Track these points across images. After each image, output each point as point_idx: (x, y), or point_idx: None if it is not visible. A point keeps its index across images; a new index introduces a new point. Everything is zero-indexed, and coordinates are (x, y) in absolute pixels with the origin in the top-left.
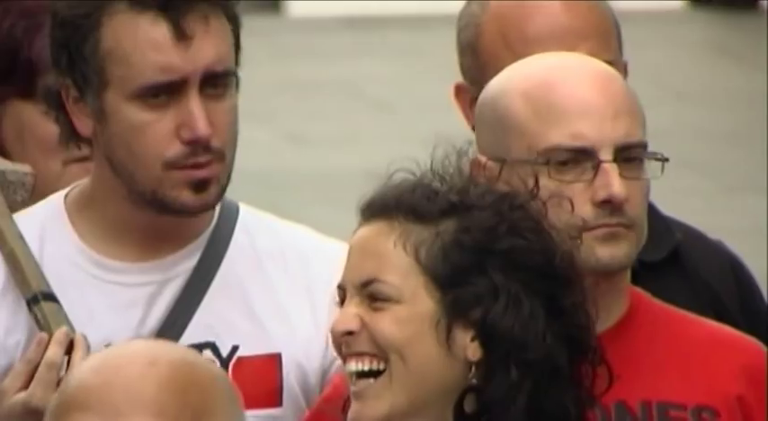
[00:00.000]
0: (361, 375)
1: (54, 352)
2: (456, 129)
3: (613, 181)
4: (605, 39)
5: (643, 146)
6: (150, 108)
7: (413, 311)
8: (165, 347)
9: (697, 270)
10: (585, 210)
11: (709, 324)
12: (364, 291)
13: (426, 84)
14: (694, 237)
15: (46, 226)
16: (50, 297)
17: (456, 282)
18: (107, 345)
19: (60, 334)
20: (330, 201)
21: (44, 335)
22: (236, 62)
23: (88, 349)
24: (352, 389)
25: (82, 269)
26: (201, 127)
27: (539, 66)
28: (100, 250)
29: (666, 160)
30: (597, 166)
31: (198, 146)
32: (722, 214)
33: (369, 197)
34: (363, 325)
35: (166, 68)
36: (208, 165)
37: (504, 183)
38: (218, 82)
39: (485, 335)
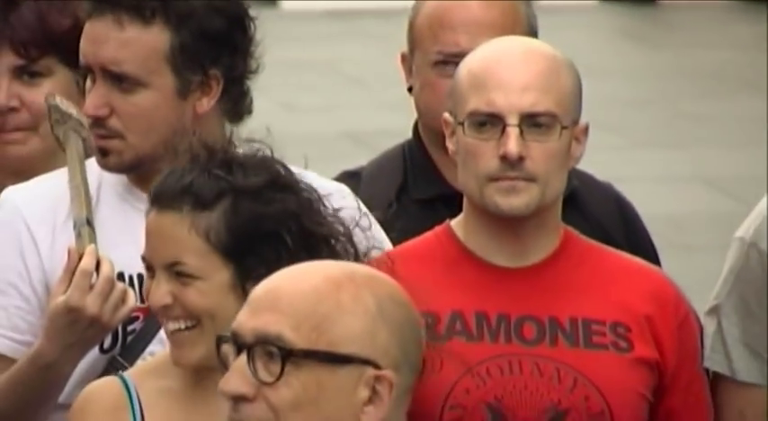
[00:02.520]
0: (177, 331)
1: (87, 262)
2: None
3: (510, 141)
4: (511, 31)
5: (550, 115)
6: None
7: (213, 283)
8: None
9: (590, 209)
10: (493, 164)
11: (624, 256)
12: (171, 270)
13: (392, 63)
14: (587, 182)
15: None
16: (89, 223)
17: (240, 252)
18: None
19: (90, 249)
20: (315, 157)
21: (73, 245)
22: (185, 63)
23: (111, 265)
24: (172, 339)
25: (127, 200)
26: (87, 106)
27: (490, 47)
28: (144, 189)
29: (565, 128)
30: (503, 129)
31: (95, 121)
32: (628, 165)
33: (157, 187)
34: (175, 298)
35: (82, 55)
36: (103, 138)
37: (455, 136)
38: (120, 78)
39: None
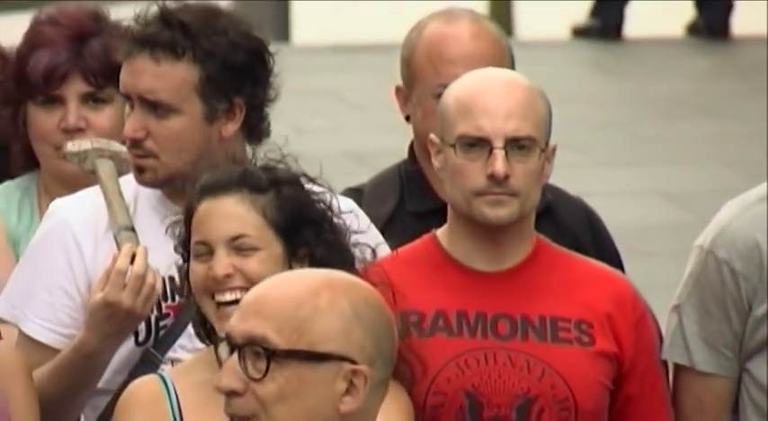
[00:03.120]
0: (231, 303)
1: (120, 262)
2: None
3: (498, 162)
4: (499, 61)
5: (530, 139)
6: None
7: (270, 254)
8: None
9: (563, 220)
10: (481, 181)
11: (589, 261)
12: (232, 244)
13: (389, 91)
14: (560, 196)
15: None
16: (129, 228)
17: (290, 231)
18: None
19: (126, 248)
20: (323, 174)
21: (116, 251)
22: (212, 92)
23: (146, 255)
24: (221, 312)
25: (160, 212)
26: (126, 129)
27: (472, 77)
28: (175, 201)
29: (543, 150)
30: (490, 151)
31: (133, 143)
32: (595, 181)
33: (208, 181)
34: (236, 268)
35: (122, 85)
36: (140, 157)
37: (442, 155)
38: (155, 106)
39: (312, 263)
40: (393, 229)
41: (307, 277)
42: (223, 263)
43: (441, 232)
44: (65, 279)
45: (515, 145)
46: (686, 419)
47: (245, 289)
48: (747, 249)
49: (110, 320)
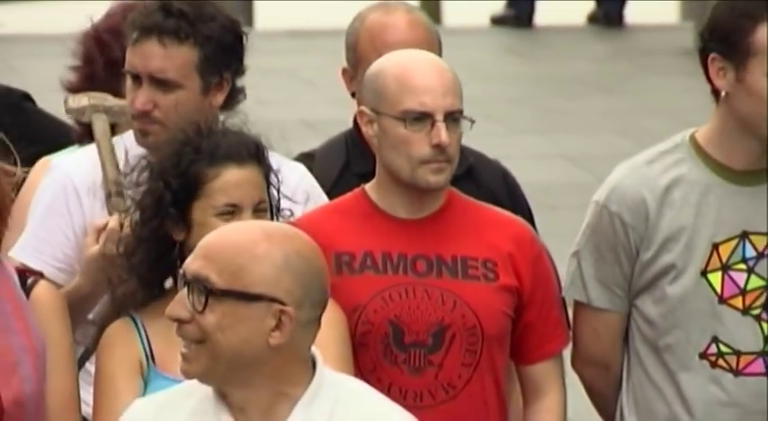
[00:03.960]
0: None
1: (113, 223)
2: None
3: (442, 133)
4: (431, 46)
5: (460, 111)
6: None
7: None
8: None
9: (483, 180)
10: (425, 150)
11: (496, 210)
12: (258, 207)
13: (337, 70)
14: (481, 160)
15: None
16: (119, 189)
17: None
18: None
19: (115, 215)
20: (280, 138)
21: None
22: (208, 69)
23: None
24: None
25: None
26: (136, 103)
27: (401, 58)
28: None
29: (473, 121)
30: (433, 124)
31: (142, 114)
32: (510, 147)
33: (227, 149)
34: None
35: (130, 65)
36: (147, 125)
37: (377, 125)
38: (163, 83)
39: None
40: (340, 187)
41: (250, 228)
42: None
43: (369, 187)
44: (62, 221)
45: (451, 118)
46: (585, 347)
47: None
48: (635, 204)
49: (102, 270)
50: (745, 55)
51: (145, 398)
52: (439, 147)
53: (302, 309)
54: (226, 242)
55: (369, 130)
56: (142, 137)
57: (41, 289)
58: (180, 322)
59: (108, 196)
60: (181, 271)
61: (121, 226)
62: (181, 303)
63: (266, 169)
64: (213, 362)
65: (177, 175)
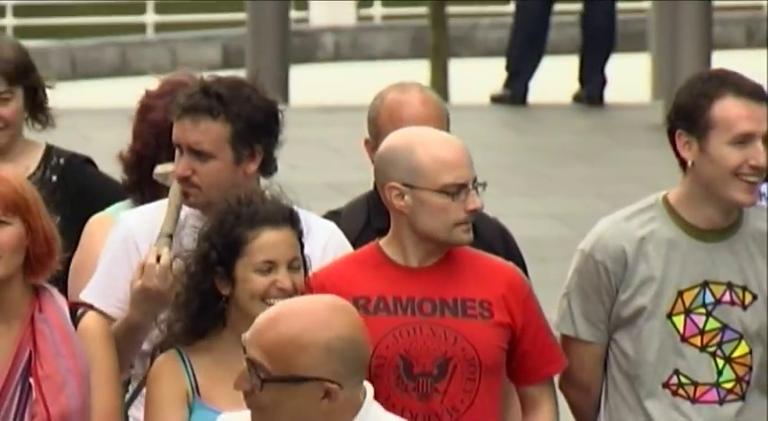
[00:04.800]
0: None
1: (150, 259)
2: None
3: (477, 199)
4: (440, 120)
5: (475, 179)
6: None
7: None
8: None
9: (483, 234)
10: (462, 215)
11: (492, 257)
12: (291, 263)
13: (361, 139)
14: (481, 217)
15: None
16: (168, 235)
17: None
18: None
19: (153, 249)
20: (311, 199)
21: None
22: (239, 142)
23: (169, 257)
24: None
25: (198, 223)
26: (177, 169)
27: (426, 136)
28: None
29: (485, 185)
30: (468, 192)
31: (183, 179)
32: (505, 206)
33: (273, 213)
34: (293, 283)
35: (175, 138)
36: (188, 188)
37: (411, 198)
38: (199, 153)
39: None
40: (362, 240)
41: (297, 318)
42: (288, 278)
43: (383, 242)
44: (124, 269)
45: (474, 185)
46: (572, 374)
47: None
48: (616, 253)
49: (146, 301)
50: (705, 128)
51: None
52: (474, 212)
53: (347, 380)
54: (276, 332)
55: (399, 202)
56: (185, 198)
57: (89, 319)
58: (245, 393)
59: (159, 237)
60: (243, 342)
61: (158, 258)
62: (244, 377)
63: (299, 232)
64: None
65: (221, 237)
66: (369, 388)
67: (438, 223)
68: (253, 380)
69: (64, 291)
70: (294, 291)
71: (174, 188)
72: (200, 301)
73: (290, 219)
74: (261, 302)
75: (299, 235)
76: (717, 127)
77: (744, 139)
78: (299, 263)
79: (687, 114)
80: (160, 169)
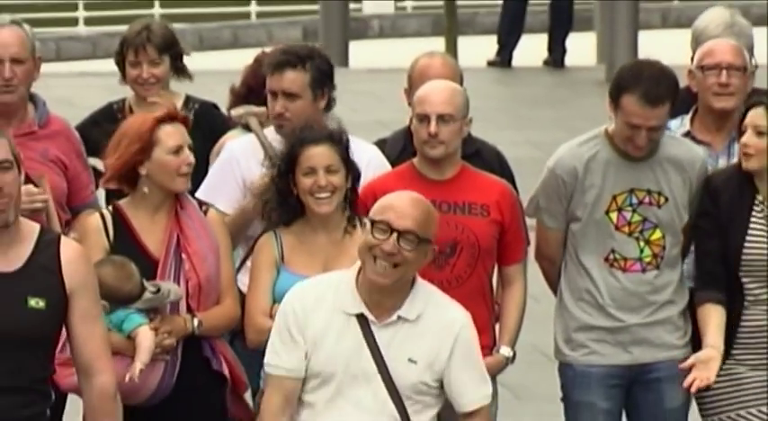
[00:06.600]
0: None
1: (260, 180)
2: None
3: (433, 128)
4: (455, 78)
5: (450, 115)
6: None
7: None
8: None
9: (485, 157)
10: (424, 136)
11: (490, 176)
12: (329, 168)
13: (401, 90)
14: (483, 144)
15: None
16: (270, 159)
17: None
18: None
19: (264, 173)
20: (364, 133)
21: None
22: (315, 86)
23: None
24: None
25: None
26: (276, 109)
27: (429, 83)
28: None
29: (471, 119)
30: (429, 121)
31: (279, 116)
32: (496, 138)
33: (316, 133)
34: (329, 182)
35: (282, 86)
36: (283, 122)
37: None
38: (290, 95)
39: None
40: (401, 160)
41: (420, 199)
42: (324, 178)
43: (415, 160)
44: (230, 178)
45: (446, 119)
46: (542, 249)
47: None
48: (570, 169)
49: (256, 201)
50: (616, 108)
51: (301, 285)
52: (431, 136)
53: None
54: (422, 210)
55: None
56: (279, 129)
57: (212, 214)
58: (390, 254)
59: (263, 160)
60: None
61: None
62: (392, 242)
63: (341, 147)
64: (399, 279)
65: (286, 153)
66: None
67: (417, 139)
68: (403, 242)
69: None
70: (333, 188)
71: (254, 122)
72: (280, 198)
73: (330, 138)
74: (311, 196)
75: (342, 150)
76: (620, 110)
77: (633, 126)
78: (336, 167)
79: (611, 91)
80: (235, 112)
